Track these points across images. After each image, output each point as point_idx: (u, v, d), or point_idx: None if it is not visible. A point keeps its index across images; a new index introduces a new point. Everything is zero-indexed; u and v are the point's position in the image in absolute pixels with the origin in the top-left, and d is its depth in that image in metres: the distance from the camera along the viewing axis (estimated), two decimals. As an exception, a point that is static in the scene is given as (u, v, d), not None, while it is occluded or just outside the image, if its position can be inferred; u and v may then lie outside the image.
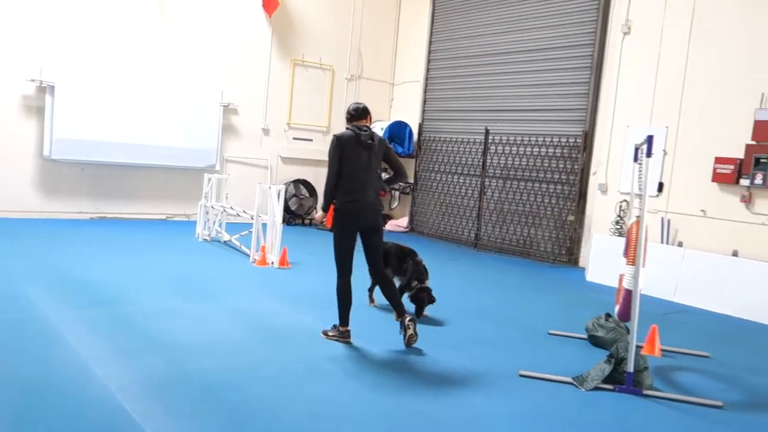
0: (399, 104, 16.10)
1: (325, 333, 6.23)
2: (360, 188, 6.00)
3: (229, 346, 5.79)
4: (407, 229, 15.37)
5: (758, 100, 9.53)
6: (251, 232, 10.06)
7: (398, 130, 15.25)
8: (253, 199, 10.13)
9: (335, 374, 5.29)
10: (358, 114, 6.15)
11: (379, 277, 6.47)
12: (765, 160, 9.35)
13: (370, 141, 6.04)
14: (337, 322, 6.17)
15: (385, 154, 6.23)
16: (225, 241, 11.19)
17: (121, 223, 12.61)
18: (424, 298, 7.19)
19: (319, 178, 14.67)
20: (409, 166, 15.66)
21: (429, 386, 5.18)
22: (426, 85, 15.39)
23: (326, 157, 6.15)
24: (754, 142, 9.54)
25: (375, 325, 6.81)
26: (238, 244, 10.70)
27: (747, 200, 9.65)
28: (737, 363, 6.53)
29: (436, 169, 14.94)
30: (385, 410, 4.61)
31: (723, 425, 4.85)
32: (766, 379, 6.04)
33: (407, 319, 6.05)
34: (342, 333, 6.13)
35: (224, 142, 14.18)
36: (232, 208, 11.07)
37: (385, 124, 15.14)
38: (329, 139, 6.22)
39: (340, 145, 5.99)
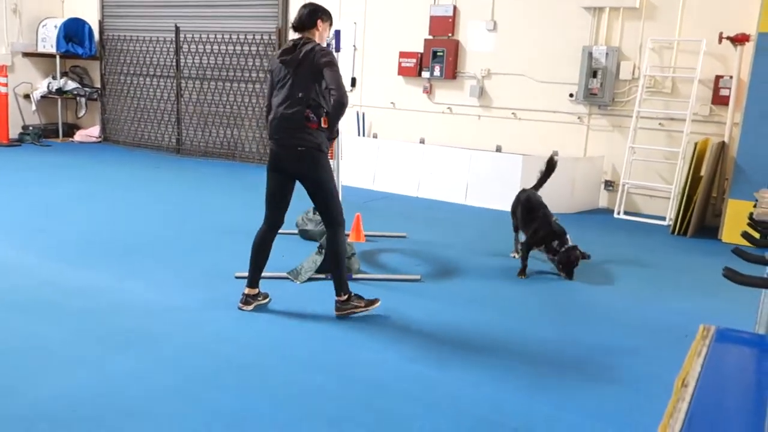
0: (74, -1, 14.40)
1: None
2: (273, 120, 4.74)
3: None
4: (100, 139, 14.20)
5: (434, -4, 10.29)
6: None
7: (75, 28, 13.71)
8: None
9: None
10: (295, 26, 4.76)
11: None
12: (441, 54, 10.21)
13: (285, 57, 4.62)
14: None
15: (318, 70, 4.51)
16: None
17: None
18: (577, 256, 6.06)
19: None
20: (94, 69, 14.31)
21: (149, 304, 4.99)
22: (103, -23, 13.93)
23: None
24: (431, 37, 10.34)
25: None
26: None
27: (428, 91, 10.53)
28: (430, 239, 7.28)
29: (125, 71, 13.83)
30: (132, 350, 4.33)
31: (422, 295, 5.43)
32: (452, 251, 6.83)
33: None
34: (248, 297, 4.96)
35: None
36: None
37: (59, 22, 13.49)
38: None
39: (269, 67, 4.88)
